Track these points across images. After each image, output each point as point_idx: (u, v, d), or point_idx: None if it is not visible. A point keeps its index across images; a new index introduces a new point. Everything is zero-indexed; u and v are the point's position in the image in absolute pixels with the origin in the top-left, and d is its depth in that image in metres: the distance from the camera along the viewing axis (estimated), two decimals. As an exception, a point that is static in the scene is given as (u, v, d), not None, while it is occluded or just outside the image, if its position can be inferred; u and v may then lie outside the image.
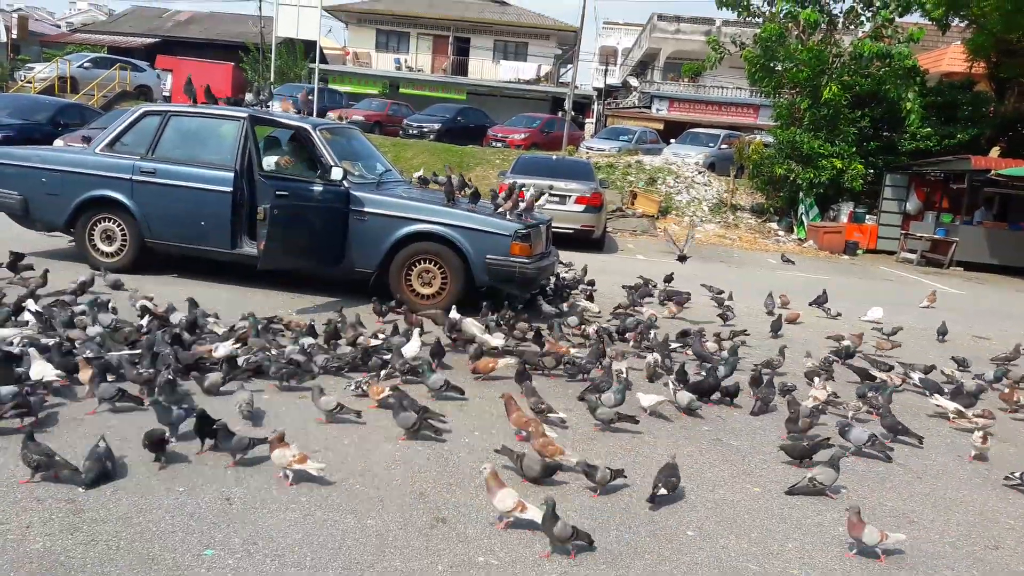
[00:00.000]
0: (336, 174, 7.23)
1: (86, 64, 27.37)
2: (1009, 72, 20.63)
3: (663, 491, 3.83)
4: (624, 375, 5.43)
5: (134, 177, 7.58)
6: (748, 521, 3.84)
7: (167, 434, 3.84)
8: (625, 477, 4.00)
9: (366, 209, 7.37)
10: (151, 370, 4.60)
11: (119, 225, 7.71)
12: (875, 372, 6.45)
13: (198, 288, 7.43)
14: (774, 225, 19.57)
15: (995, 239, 17.12)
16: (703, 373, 5.82)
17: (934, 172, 18.66)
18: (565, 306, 8.03)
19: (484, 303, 7.09)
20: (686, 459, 4.49)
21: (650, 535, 3.59)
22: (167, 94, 27.26)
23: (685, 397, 5.26)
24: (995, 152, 19.20)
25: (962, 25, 21.40)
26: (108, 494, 3.43)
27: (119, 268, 7.64)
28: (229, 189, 7.49)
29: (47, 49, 36.99)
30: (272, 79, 24.81)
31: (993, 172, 16.45)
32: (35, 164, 7.84)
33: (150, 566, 2.94)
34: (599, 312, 8.04)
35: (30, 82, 25.87)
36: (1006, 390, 6.34)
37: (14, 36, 33.33)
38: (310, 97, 18.39)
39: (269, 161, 7.80)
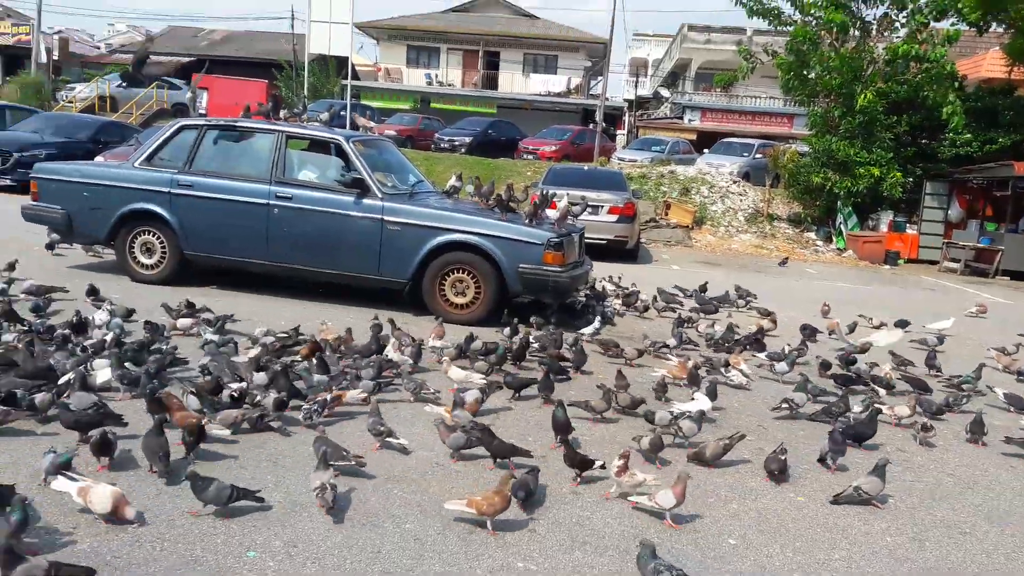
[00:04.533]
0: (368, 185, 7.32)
1: (124, 84, 28.05)
2: (1051, 77, 20.18)
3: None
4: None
5: (172, 190, 7.70)
6: (792, 530, 3.75)
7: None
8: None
9: (399, 219, 7.41)
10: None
11: (158, 238, 7.83)
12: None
13: (235, 299, 7.52)
14: (812, 235, 19.29)
15: (1043, 247, 16.64)
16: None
17: (976, 179, 18.27)
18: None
19: (505, 311, 7.08)
20: (727, 468, 4.42)
21: (691, 543, 3.52)
22: (203, 111, 27.79)
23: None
24: (1038, 157, 18.77)
25: (1000, 30, 20.99)
26: (152, 496, 3.46)
27: (159, 280, 7.77)
28: (264, 201, 7.58)
29: (87, 69, 37.96)
30: (306, 95, 25.18)
31: (1038, 178, 16.04)
32: (77, 179, 8.00)
33: (193, 567, 2.96)
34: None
35: (71, 102, 26.57)
36: None
37: (55, 57, 34.24)
38: (341, 112, 18.58)
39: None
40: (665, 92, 43.98)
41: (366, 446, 4.21)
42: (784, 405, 5.51)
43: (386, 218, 7.42)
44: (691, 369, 5.93)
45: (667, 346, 6.84)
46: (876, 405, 5.32)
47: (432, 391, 5.12)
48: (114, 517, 3.12)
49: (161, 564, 2.95)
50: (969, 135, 18.03)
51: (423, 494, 3.76)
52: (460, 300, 7.47)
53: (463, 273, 7.42)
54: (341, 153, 7.91)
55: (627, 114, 42.52)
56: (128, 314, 6.13)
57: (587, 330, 7.06)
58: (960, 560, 3.59)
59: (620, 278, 9.97)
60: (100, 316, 5.86)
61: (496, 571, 3.14)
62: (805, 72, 19.04)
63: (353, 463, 3.85)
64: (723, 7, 50.94)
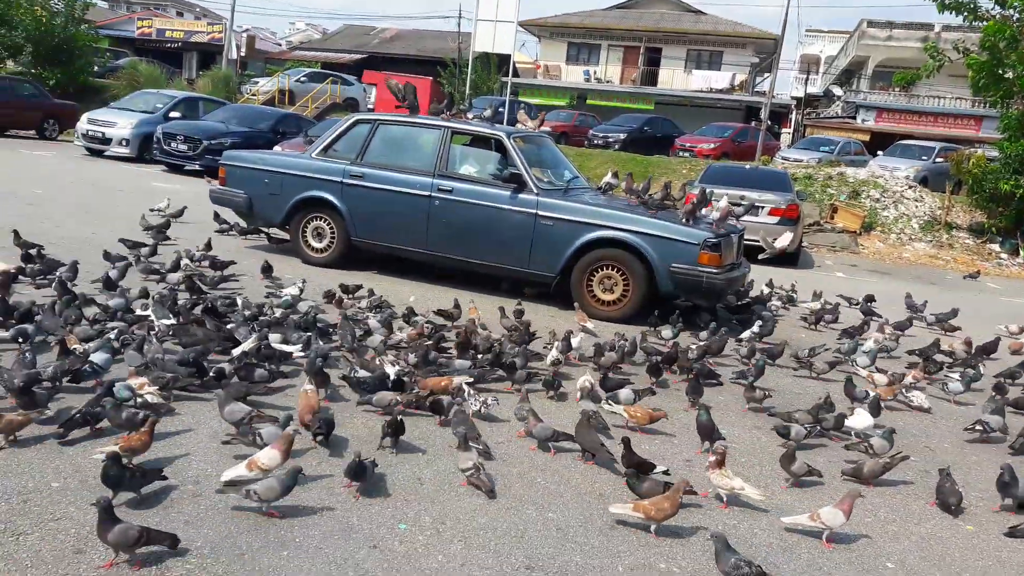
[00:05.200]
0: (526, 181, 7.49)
1: (302, 78, 30.07)
2: None
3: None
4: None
5: (344, 180, 8.19)
6: (958, 560, 3.49)
7: None
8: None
9: (552, 214, 7.50)
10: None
11: (329, 224, 8.36)
12: None
13: (393, 283, 7.92)
14: (995, 247, 17.62)
15: None
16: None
17: None
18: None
19: (656, 312, 7.00)
20: (890, 488, 4.17)
21: (846, 562, 3.36)
22: (371, 106, 29.24)
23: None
24: None
25: None
26: (313, 464, 3.72)
27: (327, 263, 8.30)
28: (427, 193, 7.90)
29: (270, 65, 40.97)
30: (468, 91, 25.93)
31: None
32: (260, 166, 8.68)
33: (349, 534, 3.16)
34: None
35: (255, 95, 28.75)
36: None
37: (243, 54, 37.18)
38: (500, 109, 18.95)
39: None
40: (837, 90, 41.60)
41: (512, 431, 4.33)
42: (978, 428, 5.14)
43: (540, 213, 7.53)
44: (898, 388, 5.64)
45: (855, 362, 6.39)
46: None
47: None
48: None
49: (320, 528, 3.18)
50: None
51: (566, 484, 3.82)
52: (608, 297, 7.47)
53: (612, 270, 7.41)
54: (501, 149, 8.11)
55: (794, 112, 40.62)
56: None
57: (745, 334, 6.86)
58: None
59: (794, 286, 9.53)
60: (290, 291, 6.45)
61: (636, 569, 3.14)
62: (1000, 71, 17.41)
63: (482, 447, 3.98)
64: (907, 2, 47.57)
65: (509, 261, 7.78)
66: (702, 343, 6.47)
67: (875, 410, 4.97)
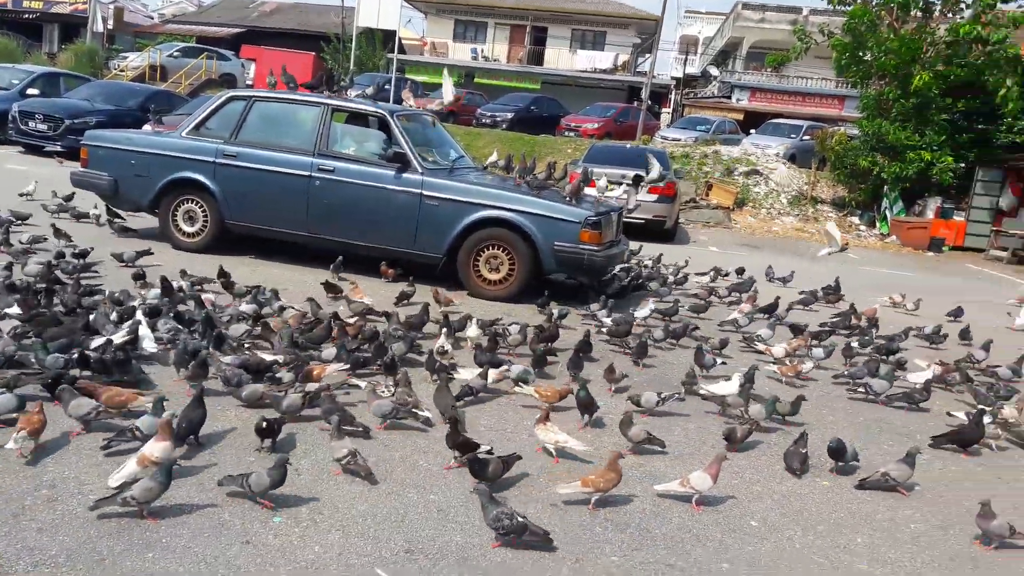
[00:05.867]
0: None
1: (175, 53, 28.51)
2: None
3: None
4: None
5: (217, 160, 7.84)
6: (815, 514, 3.74)
7: None
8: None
9: (437, 194, 7.46)
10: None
11: (201, 206, 7.99)
12: None
13: (273, 269, 7.68)
14: (855, 219, 18.89)
15: (1097, 237, 16.10)
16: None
17: (1032, 166, 17.66)
18: None
19: (546, 292, 7.10)
20: (755, 451, 4.42)
21: (713, 523, 3.54)
22: (250, 82, 28.08)
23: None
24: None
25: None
26: (180, 460, 3.57)
27: (199, 248, 7.94)
28: (306, 173, 7.68)
29: (140, 39, 38.54)
30: (352, 68, 25.30)
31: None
32: (125, 147, 8.18)
33: (220, 531, 3.05)
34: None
35: (123, 70, 27.05)
36: None
37: (110, 27, 34.77)
38: (386, 87, 18.63)
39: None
40: (714, 71, 43.18)
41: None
42: (861, 390, 5.62)
43: (425, 192, 7.47)
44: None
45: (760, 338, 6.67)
46: (981, 408, 5.13)
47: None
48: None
49: (189, 526, 3.06)
50: (1027, 121, 17.41)
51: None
52: (494, 276, 7.51)
53: (498, 249, 7.46)
54: (385, 127, 7.98)
55: (674, 92, 41.87)
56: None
57: (640, 313, 6.99)
58: (985, 548, 3.54)
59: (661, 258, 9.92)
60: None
61: (516, 544, 3.19)
62: (861, 53, 18.57)
63: (360, 429, 3.95)
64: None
65: (394, 242, 7.69)
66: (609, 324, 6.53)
67: (750, 379, 5.17)
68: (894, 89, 17.98)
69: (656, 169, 10.60)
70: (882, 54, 17.88)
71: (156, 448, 3.24)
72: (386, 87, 22.90)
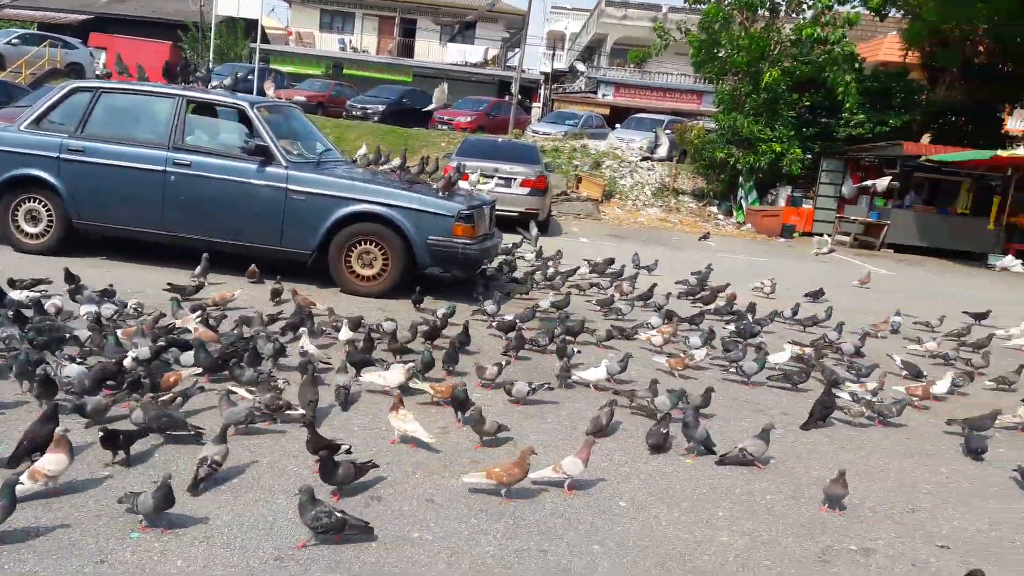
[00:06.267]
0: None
1: (14, 41, 26.21)
2: (942, 61, 21.37)
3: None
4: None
5: (61, 155, 7.30)
6: (679, 491, 3.93)
7: None
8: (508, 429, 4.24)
9: (304, 188, 7.26)
10: None
11: (45, 205, 7.43)
12: None
13: (127, 271, 7.25)
14: (714, 209, 19.92)
15: (924, 223, 17.73)
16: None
17: (868, 157, 19.19)
18: None
19: (418, 288, 7.07)
20: (623, 434, 4.58)
21: (585, 506, 3.65)
22: (99, 72, 26.26)
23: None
24: (926, 139, 19.88)
25: (899, 15, 22.04)
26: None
27: (45, 250, 7.39)
28: (161, 168, 7.28)
29: (-28, 25, 35.22)
30: (211, 58, 24.18)
31: (923, 158, 16.99)
32: (-45, 142, 7.48)
33: (71, 552, 2.85)
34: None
35: (-47, 60, 24.66)
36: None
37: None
38: (249, 77, 17.93)
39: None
40: (581, 66, 44.28)
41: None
42: (733, 370, 5.96)
43: (290, 187, 7.26)
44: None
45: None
46: (831, 381, 5.58)
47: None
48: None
49: (36, 549, 2.84)
50: (863, 115, 18.89)
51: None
52: (367, 272, 7.40)
53: (370, 245, 7.35)
54: (245, 119, 7.68)
55: (543, 87, 42.59)
56: None
57: (490, 308, 6.97)
58: (830, 514, 3.83)
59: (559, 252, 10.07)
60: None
61: (391, 542, 3.17)
62: (715, 50, 19.53)
63: (192, 432, 3.85)
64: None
65: (259, 239, 7.43)
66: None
67: (624, 365, 5.41)
68: (746, 85, 19.05)
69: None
70: (734, 51, 18.89)
71: (50, 461, 3.07)
72: (249, 77, 22.07)
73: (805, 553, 3.44)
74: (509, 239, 10.35)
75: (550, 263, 9.44)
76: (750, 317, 7.62)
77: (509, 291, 7.97)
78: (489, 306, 6.90)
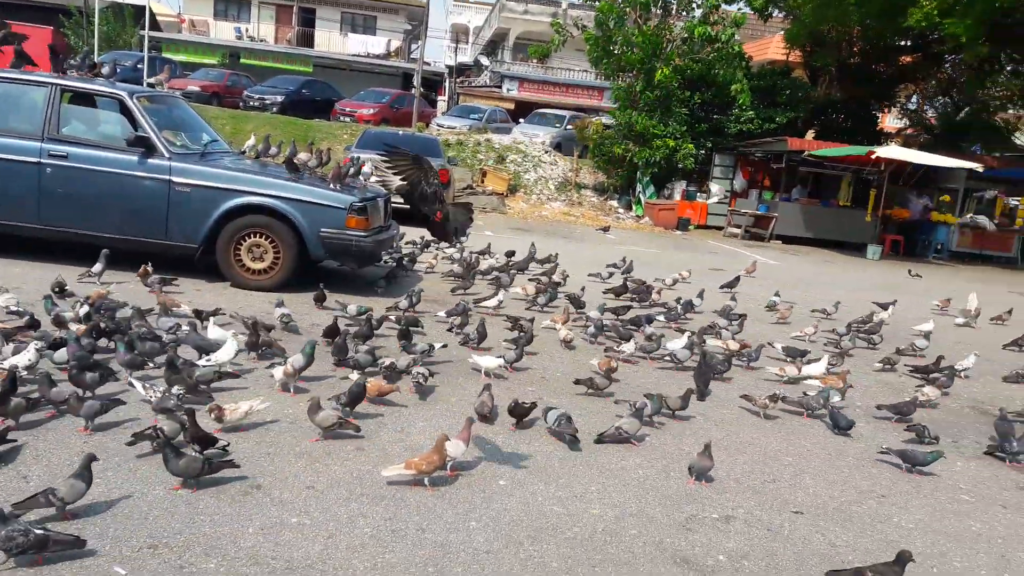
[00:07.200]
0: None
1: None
2: (821, 61, 22.61)
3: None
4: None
5: (-81, 145, 6.88)
6: (557, 469, 4.10)
7: None
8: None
9: (188, 180, 7.09)
10: None
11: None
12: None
13: (2, 267, 6.91)
14: (614, 203, 20.44)
15: (809, 214, 18.76)
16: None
17: (757, 152, 20.12)
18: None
19: (321, 285, 7.04)
20: (503, 416, 4.73)
21: (465, 486, 3.77)
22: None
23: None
24: (810, 134, 21.01)
25: (781, 16, 23.18)
26: None
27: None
28: (35, 159, 6.97)
29: None
30: (96, 45, 23.05)
31: (807, 153, 17.98)
32: None
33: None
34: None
35: None
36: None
37: None
38: (139, 66, 17.17)
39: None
40: (485, 60, 44.36)
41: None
42: (667, 358, 6.27)
43: (174, 179, 7.08)
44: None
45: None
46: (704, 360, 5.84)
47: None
48: None
49: None
50: (752, 112, 19.79)
51: (199, 458, 3.72)
52: (258, 265, 7.30)
53: (260, 238, 7.25)
54: (125, 110, 7.42)
55: (448, 80, 42.52)
56: None
57: (404, 303, 7.00)
58: (697, 486, 4.09)
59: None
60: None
61: (268, 528, 3.20)
62: (611, 47, 20.00)
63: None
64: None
65: (143, 232, 7.23)
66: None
67: (520, 355, 5.69)
68: (640, 81, 19.61)
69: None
70: (628, 48, 19.41)
71: None
72: (139, 66, 21.17)
73: (670, 522, 3.67)
74: (418, 233, 10.43)
75: (484, 256, 9.72)
76: (678, 308, 8.05)
77: (454, 288, 8.12)
78: (403, 302, 6.96)
